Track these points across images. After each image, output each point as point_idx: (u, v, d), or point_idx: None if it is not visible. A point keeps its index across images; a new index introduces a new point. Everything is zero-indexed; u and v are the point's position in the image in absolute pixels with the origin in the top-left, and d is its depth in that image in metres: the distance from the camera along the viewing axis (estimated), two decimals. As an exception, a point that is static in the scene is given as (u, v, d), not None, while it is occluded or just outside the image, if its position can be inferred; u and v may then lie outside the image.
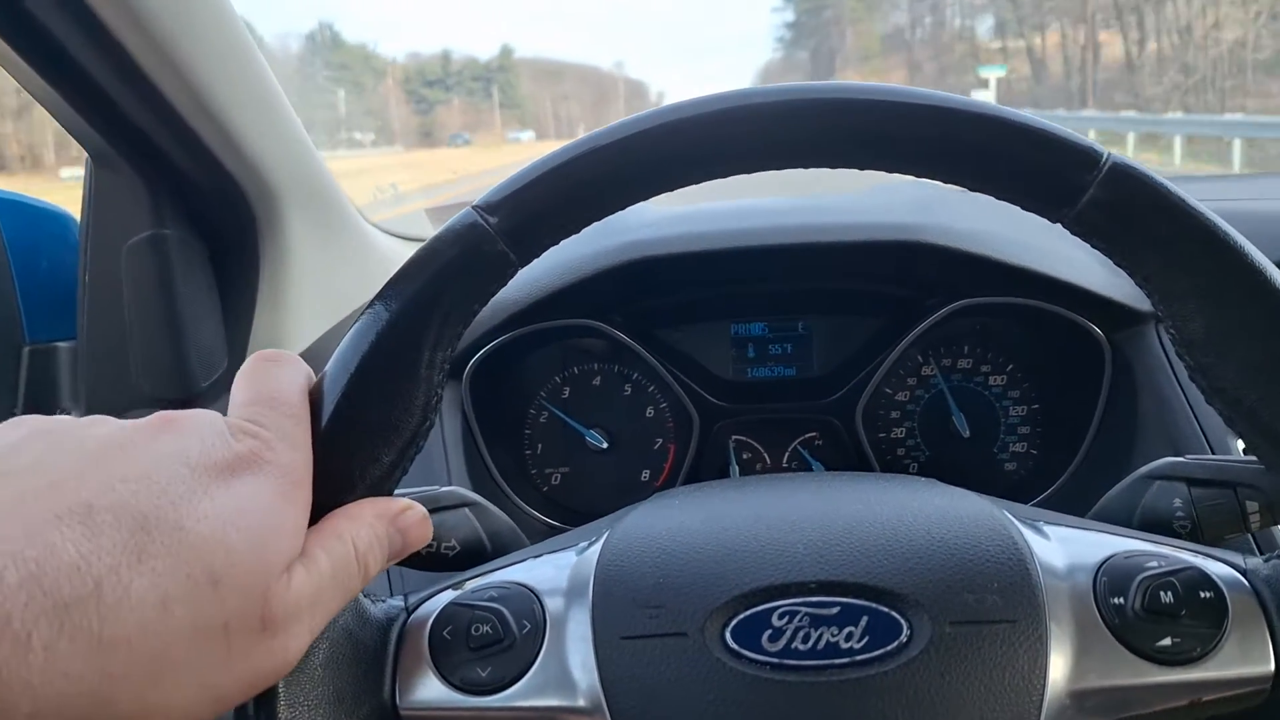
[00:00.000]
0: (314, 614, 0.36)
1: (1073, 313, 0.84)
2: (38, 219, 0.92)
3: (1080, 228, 0.42)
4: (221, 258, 0.91)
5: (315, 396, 0.41)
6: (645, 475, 0.97)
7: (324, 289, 1.02)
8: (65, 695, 0.30)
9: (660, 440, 0.97)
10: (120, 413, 0.86)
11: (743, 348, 0.98)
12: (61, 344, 0.89)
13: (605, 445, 0.96)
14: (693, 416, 0.93)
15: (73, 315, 0.88)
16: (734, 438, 0.96)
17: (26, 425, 0.35)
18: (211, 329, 0.91)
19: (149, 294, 0.84)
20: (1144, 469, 0.55)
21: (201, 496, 0.34)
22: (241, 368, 0.41)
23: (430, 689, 0.43)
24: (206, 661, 0.33)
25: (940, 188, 0.94)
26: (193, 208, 0.86)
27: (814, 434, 0.95)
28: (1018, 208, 0.44)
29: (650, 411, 0.97)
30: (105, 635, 0.30)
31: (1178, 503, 0.53)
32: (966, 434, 0.93)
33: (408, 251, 1.21)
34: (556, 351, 0.96)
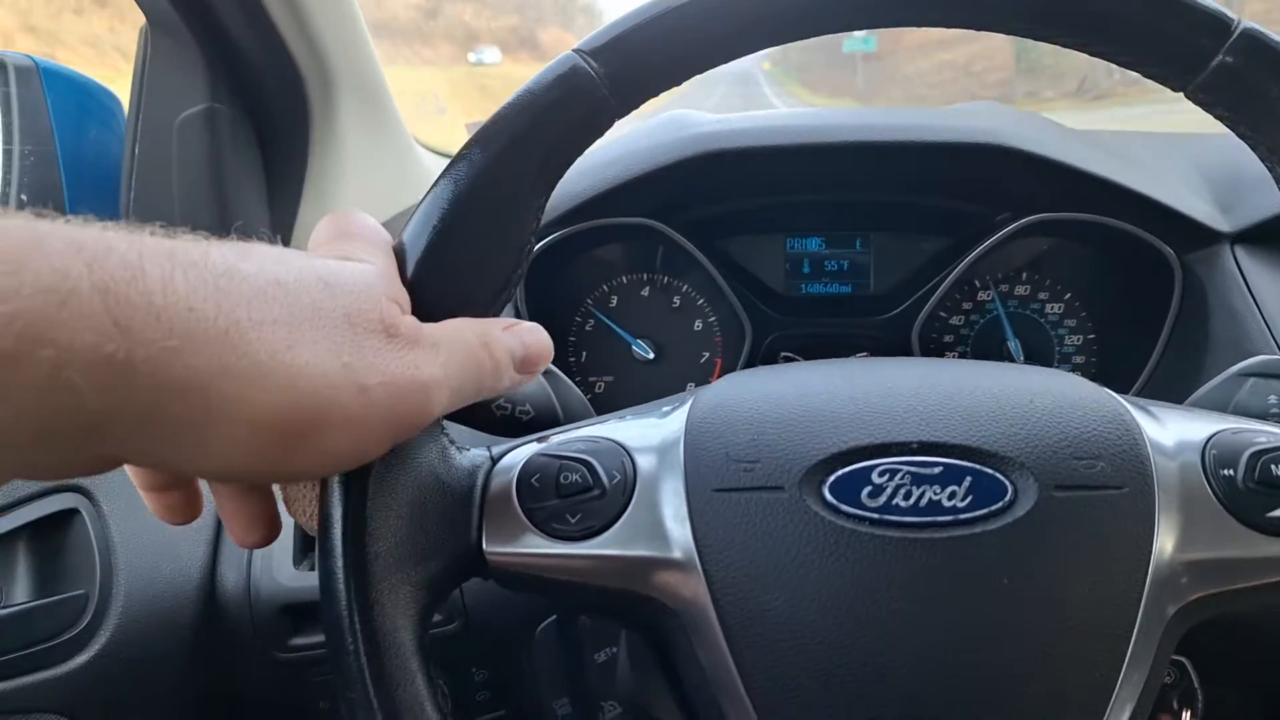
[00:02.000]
0: (442, 353, 0.35)
1: (1146, 231, 0.82)
2: (84, 97, 0.90)
3: (1206, 95, 0.41)
4: (273, 141, 0.89)
5: (402, 243, 0.40)
6: (691, 388, 0.95)
7: (369, 187, 1.00)
8: (193, 332, 0.27)
9: (707, 354, 0.95)
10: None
11: (798, 263, 0.96)
12: (105, 222, 0.87)
13: (652, 356, 0.94)
14: (746, 328, 0.91)
15: (114, 198, 0.87)
16: (784, 353, 0.94)
17: None
18: (258, 213, 0.89)
19: (198, 171, 0.83)
20: (1237, 366, 0.53)
21: (298, 255, 0.34)
22: (318, 224, 0.40)
23: (518, 535, 0.42)
24: (337, 340, 0.31)
25: (1020, 112, 0.92)
26: (249, 85, 0.84)
27: (866, 353, 0.94)
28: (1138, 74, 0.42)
29: (699, 324, 0.95)
30: (223, 286, 0.29)
31: (1273, 399, 0.51)
32: (1021, 360, 0.92)
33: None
34: (610, 254, 0.94)
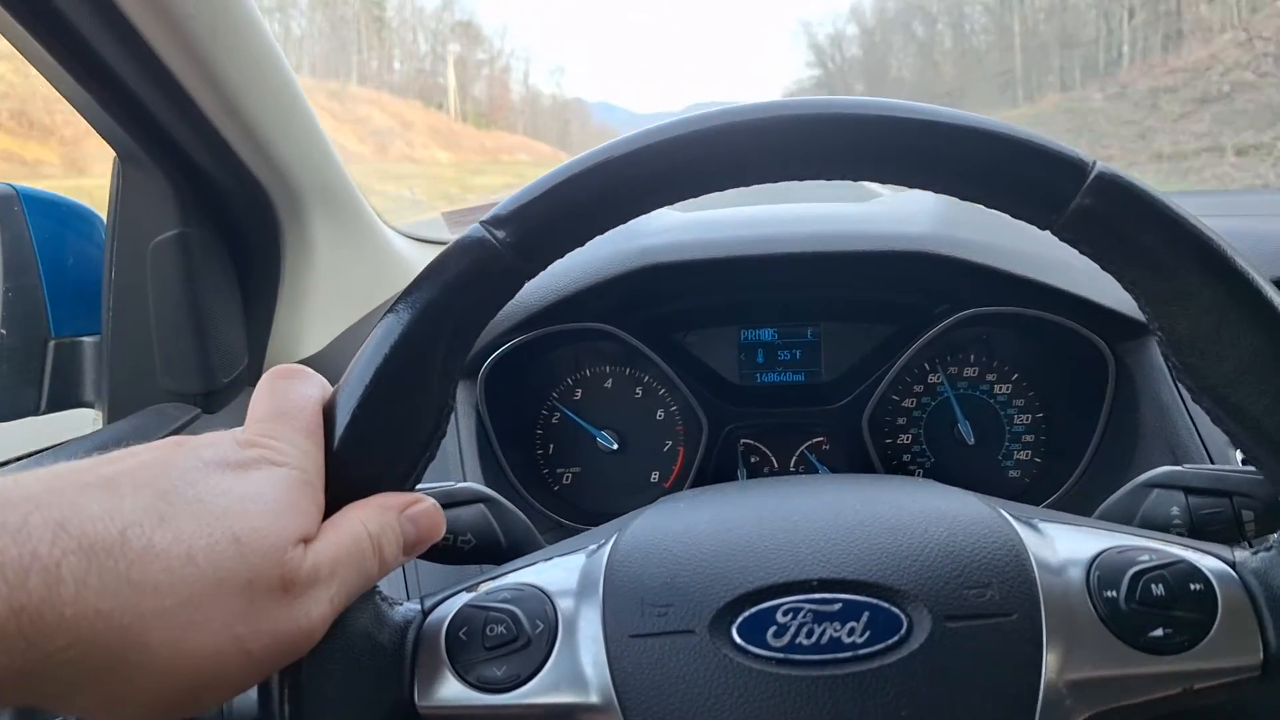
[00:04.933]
0: (332, 585, 0.38)
1: (1076, 323, 0.86)
2: (65, 216, 0.94)
3: (1069, 235, 0.44)
4: (244, 257, 0.93)
5: (330, 409, 0.43)
6: (655, 476, 0.98)
7: (343, 289, 1.03)
8: (99, 632, 0.31)
9: (670, 443, 0.98)
10: (141, 406, 0.89)
11: (752, 353, 0.99)
12: (86, 339, 0.91)
13: (616, 446, 0.97)
14: (702, 420, 0.94)
15: (98, 311, 0.90)
16: (743, 441, 0.97)
17: None
18: (233, 326, 0.93)
19: (173, 291, 0.86)
20: (1143, 477, 0.56)
21: (217, 480, 0.37)
22: (259, 383, 0.44)
23: (447, 688, 0.44)
24: (233, 614, 0.34)
25: (947, 199, 0.95)
26: (217, 208, 0.88)
27: (821, 439, 0.97)
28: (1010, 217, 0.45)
29: (660, 414, 0.98)
30: (134, 577, 0.32)
31: (1175, 510, 0.54)
32: (971, 441, 0.95)
33: (424, 252, 1.23)
34: (569, 354, 0.97)
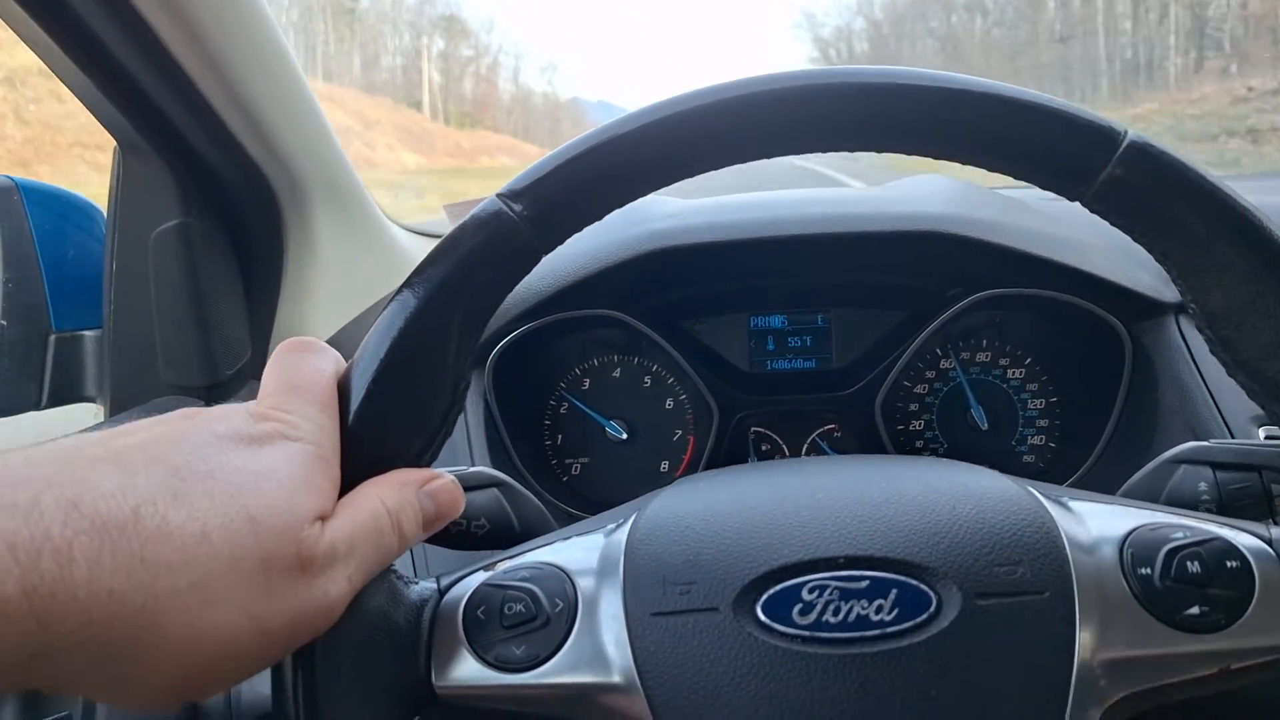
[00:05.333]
0: (350, 563, 0.37)
1: (1092, 304, 0.85)
2: (65, 209, 0.93)
3: (1099, 206, 0.43)
4: (246, 248, 0.92)
5: (344, 384, 0.42)
6: (664, 466, 0.97)
7: (346, 280, 1.03)
8: (113, 613, 0.30)
9: (680, 432, 0.97)
10: (144, 400, 0.88)
11: (762, 340, 0.98)
12: (87, 333, 0.90)
13: (625, 436, 0.96)
14: (712, 408, 0.93)
15: (98, 305, 0.90)
16: (753, 429, 0.96)
17: None
18: (236, 318, 0.92)
19: (175, 282, 0.85)
20: (1169, 453, 0.55)
21: (231, 455, 0.36)
22: (271, 357, 0.43)
23: (465, 667, 0.43)
24: (249, 593, 0.34)
25: (960, 179, 0.95)
26: (219, 198, 0.87)
27: (833, 426, 0.96)
28: (1038, 189, 0.44)
29: (670, 403, 0.97)
30: (147, 556, 0.31)
31: (1203, 486, 0.53)
32: (985, 427, 0.94)
33: (426, 245, 1.22)
34: (578, 342, 0.96)
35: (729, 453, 0.96)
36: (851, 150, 0.45)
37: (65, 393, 0.88)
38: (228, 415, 0.38)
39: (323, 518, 0.37)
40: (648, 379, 0.97)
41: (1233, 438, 0.75)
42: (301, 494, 0.36)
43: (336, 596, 0.37)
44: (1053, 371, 0.94)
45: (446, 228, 1.26)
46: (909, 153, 0.45)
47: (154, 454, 0.34)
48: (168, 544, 0.32)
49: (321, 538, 0.36)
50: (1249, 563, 0.43)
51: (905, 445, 0.95)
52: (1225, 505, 0.52)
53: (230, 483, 0.34)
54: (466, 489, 0.54)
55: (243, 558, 0.33)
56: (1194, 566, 0.43)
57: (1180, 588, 0.43)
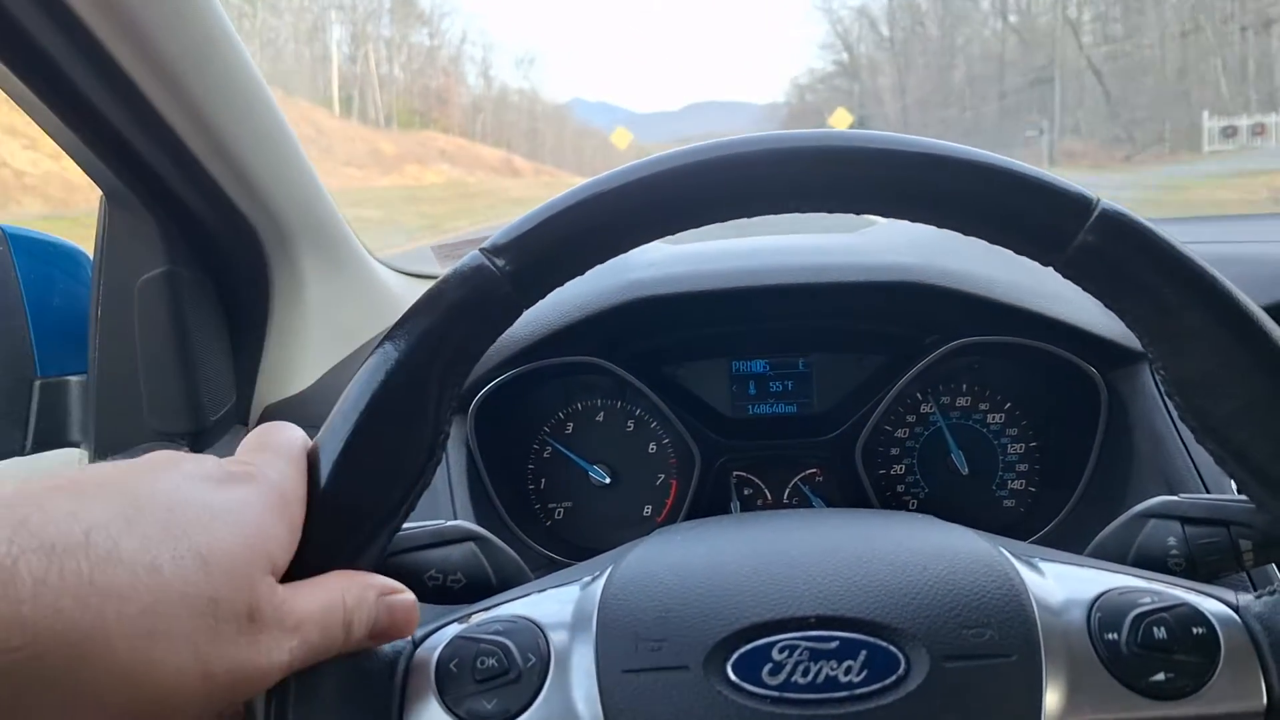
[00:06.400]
0: (294, 637, 0.37)
1: (1068, 352, 0.86)
2: (51, 255, 0.94)
3: (1071, 271, 0.44)
4: (232, 294, 0.93)
5: (322, 438, 0.43)
6: (647, 510, 0.98)
7: (332, 325, 1.03)
8: (59, 633, 0.30)
9: (662, 476, 0.98)
10: (128, 446, 0.88)
11: (744, 385, 0.99)
12: (73, 378, 0.90)
13: (608, 481, 0.97)
14: (694, 453, 0.94)
15: (84, 350, 0.90)
16: (735, 474, 0.96)
17: None
18: (220, 365, 0.92)
19: (160, 330, 0.86)
20: (1139, 507, 0.55)
21: (191, 491, 0.36)
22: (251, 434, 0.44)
23: None
24: (196, 631, 0.33)
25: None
26: (205, 246, 0.88)
27: (814, 470, 0.96)
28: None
29: (653, 448, 0.98)
30: (97, 580, 0.31)
31: (1172, 541, 0.53)
32: (965, 471, 0.94)
33: (413, 287, 1.23)
34: (560, 388, 0.97)
35: (712, 497, 0.96)
36: (829, 212, 0.46)
37: (50, 438, 0.88)
38: (199, 459, 0.39)
39: (275, 566, 0.37)
40: (630, 424, 0.98)
41: (1205, 486, 0.76)
42: (256, 540, 0.37)
43: (278, 662, 0.37)
44: (1031, 417, 0.95)
45: (434, 266, 1.27)
46: (886, 216, 0.46)
47: (113, 484, 0.34)
48: (118, 569, 0.32)
49: (274, 595, 0.36)
50: (1215, 629, 0.43)
51: (887, 490, 0.96)
52: (1194, 560, 0.53)
53: (185, 517, 0.35)
54: (443, 543, 0.55)
55: (193, 595, 0.33)
56: (1160, 632, 0.43)
57: (1146, 653, 0.43)
